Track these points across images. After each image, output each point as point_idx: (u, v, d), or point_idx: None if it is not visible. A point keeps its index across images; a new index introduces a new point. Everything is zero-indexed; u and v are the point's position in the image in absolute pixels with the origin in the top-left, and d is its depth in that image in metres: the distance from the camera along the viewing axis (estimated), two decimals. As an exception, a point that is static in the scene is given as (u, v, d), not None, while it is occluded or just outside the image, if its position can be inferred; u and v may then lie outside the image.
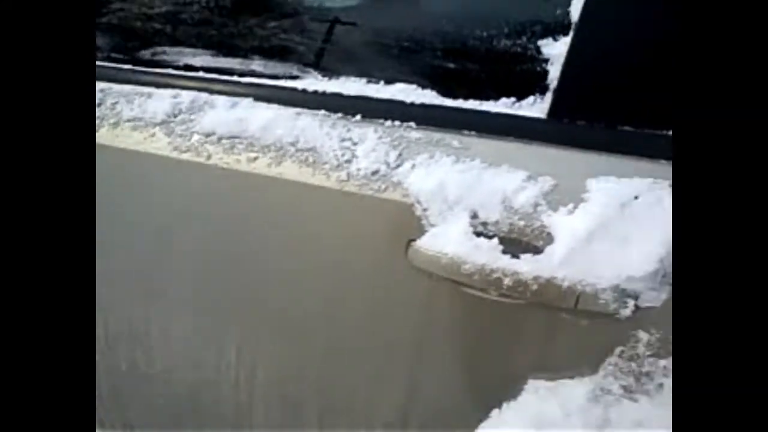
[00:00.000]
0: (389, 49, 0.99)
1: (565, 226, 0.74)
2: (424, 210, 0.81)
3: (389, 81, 0.94)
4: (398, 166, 0.85)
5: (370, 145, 0.87)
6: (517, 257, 0.75)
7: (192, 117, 1.02)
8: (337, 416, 0.98)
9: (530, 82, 0.83)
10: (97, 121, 1.08)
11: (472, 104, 0.86)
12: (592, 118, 0.78)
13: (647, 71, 0.75)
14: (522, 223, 0.77)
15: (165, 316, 1.10)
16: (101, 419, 1.24)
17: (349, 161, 0.88)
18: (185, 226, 1.03)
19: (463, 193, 0.79)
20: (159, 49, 1.19)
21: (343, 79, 0.99)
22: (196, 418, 1.14)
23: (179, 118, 1.03)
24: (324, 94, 0.94)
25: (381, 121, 0.88)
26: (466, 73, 0.93)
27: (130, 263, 1.09)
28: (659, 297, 0.71)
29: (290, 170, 0.91)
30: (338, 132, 0.90)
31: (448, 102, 0.88)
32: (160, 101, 1.05)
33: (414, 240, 0.81)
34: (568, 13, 0.80)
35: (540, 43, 0.84)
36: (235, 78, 1.04)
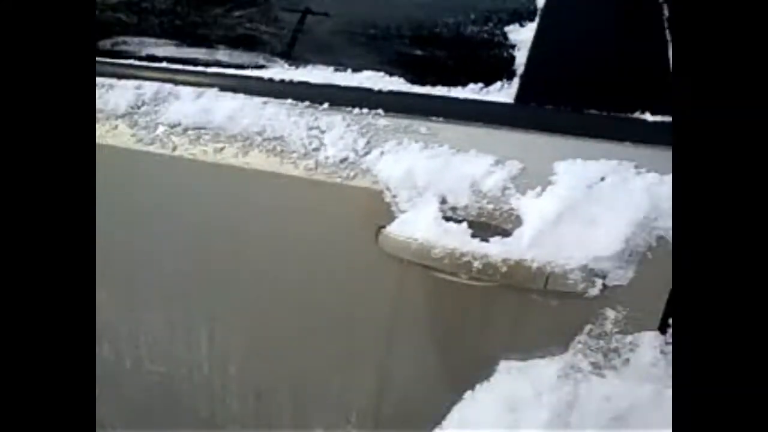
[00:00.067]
0: (357, 37, 0.99)
1: (534, 208, 0.74)
2: (394, 196, 0.81)
3: (357, 69, 0.93)
4: (367, 153, 0.85)
5: (338, 132, 0.87)
6: (487, 240, 0.76)
7: (156, 108, 1.00)
8: (310, 403, 0.98)
9: (497, 68, 0.84)
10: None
11: (439, 90, 0.87)
12: (559, 103, 0.79)
13: (612, 55, 0.77)
14: (491, 206, 0.77)
15: (133, 309, 1.08)
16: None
17: (317, 149, 0.87)
18: (152, 219, 1.01)
19: (431, 179, 0.80)
20: (120, 39, 1.17)
21: (310, 67, 0.99)
22: (168, 413, 1.12)
23: (143, 109, 1.01)
24: (291, 82, 0.93)
25: (349, 108, 0.88)
26: (433, 60, 0.93)
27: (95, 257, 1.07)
28: (626, 275, 0.72)
29: (258, 160, 0.90)
30: (306, 120, 0.90)
31: (416, 89, 0.88)
32: (122, 93, 1.03)
33: (384, 226, 0.81)
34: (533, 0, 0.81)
35: (507, 29, 0.85)
36: (200, 68, 1.03)
